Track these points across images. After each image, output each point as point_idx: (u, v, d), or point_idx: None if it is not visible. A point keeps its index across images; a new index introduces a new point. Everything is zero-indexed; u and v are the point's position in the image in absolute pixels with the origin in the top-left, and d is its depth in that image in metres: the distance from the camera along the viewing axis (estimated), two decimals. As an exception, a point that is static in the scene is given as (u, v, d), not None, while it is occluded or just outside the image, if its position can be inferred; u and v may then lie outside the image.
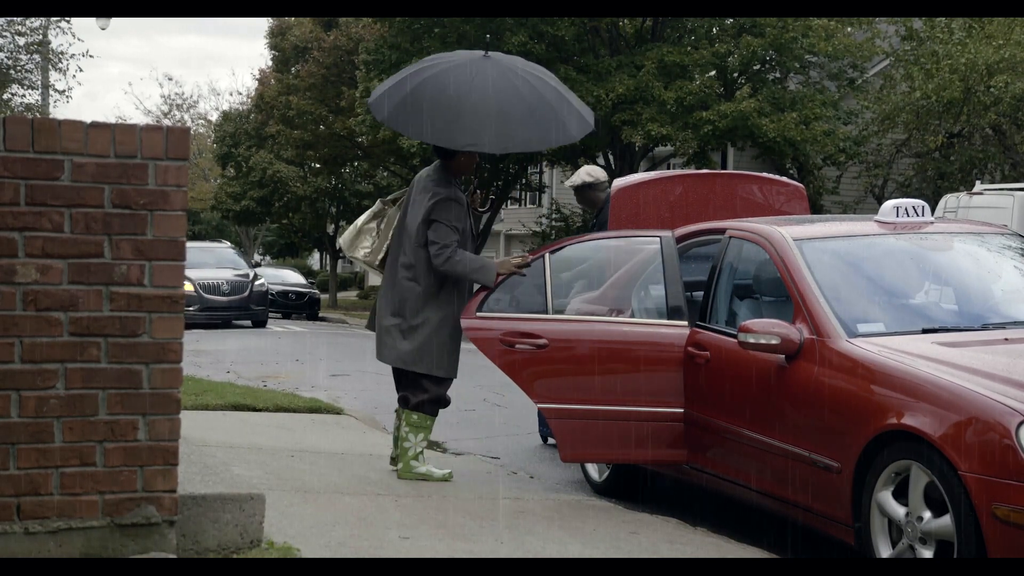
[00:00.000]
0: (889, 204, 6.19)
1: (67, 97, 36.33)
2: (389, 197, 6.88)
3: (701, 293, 6.46)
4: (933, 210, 9.18)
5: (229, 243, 31.50)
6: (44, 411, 3.93)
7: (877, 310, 5.55)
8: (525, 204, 43.15)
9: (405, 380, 6.53)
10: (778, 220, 6.56)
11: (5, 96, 31.51)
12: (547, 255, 6.58)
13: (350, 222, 48.28)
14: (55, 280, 3.94)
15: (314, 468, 6.56)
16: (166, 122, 53.06)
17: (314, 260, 65.42)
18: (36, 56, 31.45)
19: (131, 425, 4.03)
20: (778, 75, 26.98)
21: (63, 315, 3.95)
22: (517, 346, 6.34)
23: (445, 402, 6.56)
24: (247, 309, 25.58)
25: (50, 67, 31.35)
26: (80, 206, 3.96)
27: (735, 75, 26.78)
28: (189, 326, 22.01)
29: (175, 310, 4.08)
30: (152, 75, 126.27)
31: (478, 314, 6.39)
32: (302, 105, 35.95)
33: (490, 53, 6.70)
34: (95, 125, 4.02)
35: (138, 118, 60.07)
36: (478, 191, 6.92)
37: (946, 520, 4.50)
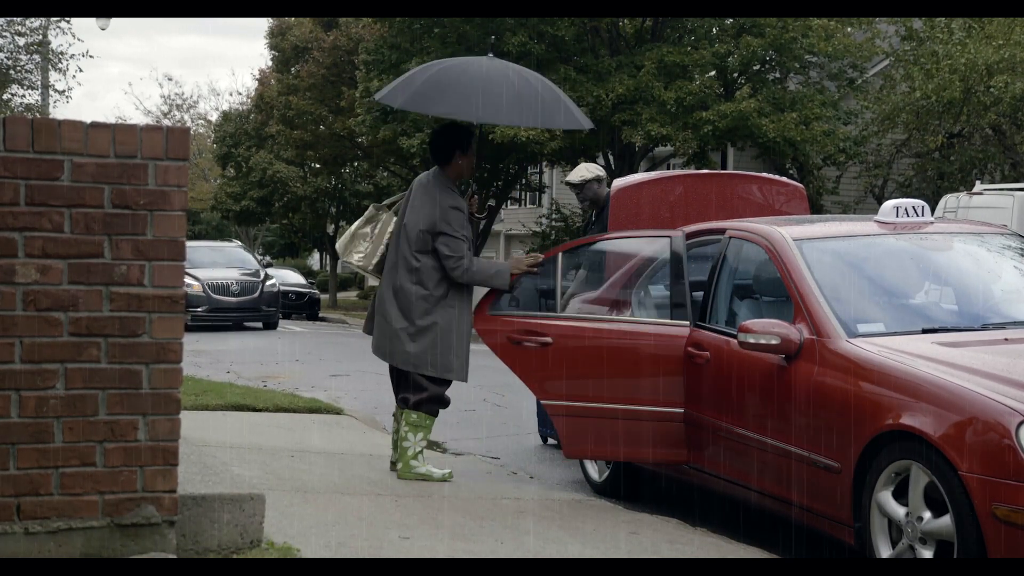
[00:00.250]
0: (889, 204, 6.19)
1: (67, 97, 36.34)
2: (384, 202, 6.94)
3: (701, 293, 6.46)
4: (933, 210, 9.18)
5: (240, 243, 30.46)
6: (44, 411, 3.93)
7: (877, 310, 5.55)
8: (525, 204, 43.14)
9: (405, 381, 6.54)
10: (778, 220, 6.56)
11: (5, 96, 31.51)
12: (560, 255, 6.77)
13: (350, 222, 48.17)
14: (55, 280, 3.94)
15: (314, 468, 6.56)
16: (166, 122, 53.07)
17: (314, 260, 65.41)
18: (36, 56, 31.45)
19: (131, 425, 4.03)
20: (778, 75, 26.98)
21: (63, 315, 3.95)
22: (524, 344, 6.44)
23: (445, 402, 6.57)
24: (257, 310, 24.83)
25: (50, 67, 31.35)
26: (80, 206, 3.96)
27: (735, 75, 26.78)
28: (198, 328, 21.92)
29: (175, 310, 4.08)
30: (152, 75, 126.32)
31: (489, 313, 6.61)
32: (302, 105, 35.95)
33: (492, 56, 7.01)
34: (95, 125, 4.02)
35: (138, 118, 60.10)
36: (475, 196, 6.97)
37: (946, 520, 4.50)
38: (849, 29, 26.10)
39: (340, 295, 43.58)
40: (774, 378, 5.46)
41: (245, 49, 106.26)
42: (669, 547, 5.33)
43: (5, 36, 30.76)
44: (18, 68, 31.60)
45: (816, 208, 22.37)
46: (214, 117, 55.30)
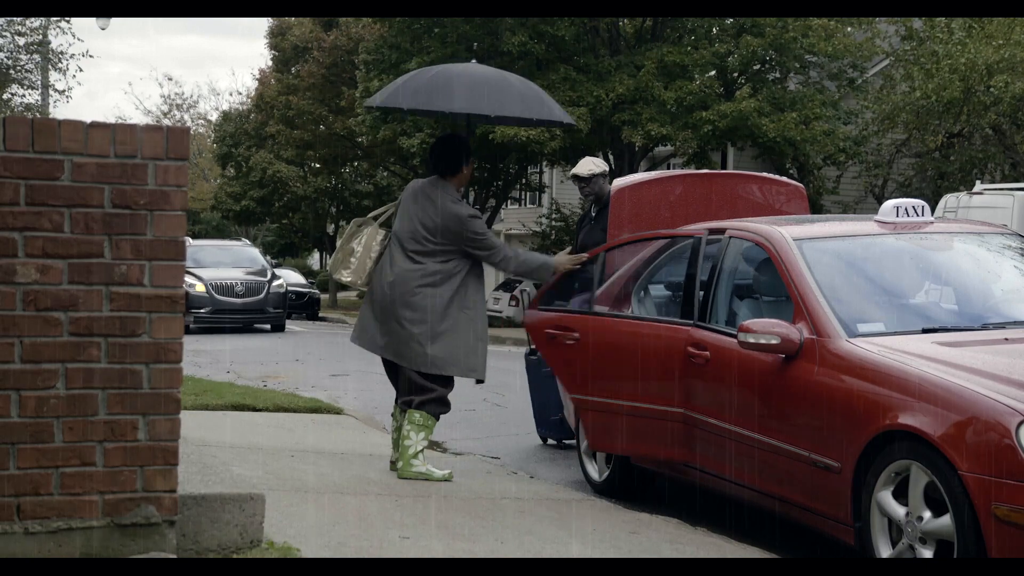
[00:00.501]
0: (889, 204, 6.18)
1: (67, 97, 36.42)
2: (369, 215, 7.04)
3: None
4: (933, 210, 9.18)
5: (248, 241, 29.30)
6: (44, 411, 3.93)
7: (877, 310, 5.55)
8: (525, 204, 43.16)
9: (410, 382, 6.53)
10: (778, 220, 6.56)
11: (5, 96, 31.52)
12: (604, 253, 7.02)
13: (350, 222, 48.16)
14: (55, 280, 3.94)
15: (314, 468, 6.56)
16: (166, 122, 53.07)
17: (314, 260, 65.42)
18: (36, 56, 31.47)
19: (131, 425, 4.03)
20: (778, 75, 26.99)
21: (63, 315, 3.95)
22: (557, 339, 6.82)
23: (448, 405, 6.60)
24: (263, 312, 23.86)
25: (50, 67, 31.36)
26: (80, 206, 3.96)
27: (735, 75, 26.79)
28: (202, 330, 21.65)
29: (175, 310, 4.08)
30: (152, 75, 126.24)
31: (540, 307, 7.12)
32: (302, 105, 35.97)
33: (475, 62, 7.36)
34: (95, 125, 4.02)
35: (138, 118, 60.12)
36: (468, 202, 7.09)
37: (946, 520, 4.50)
38: (849, 29, 26.11)
39: (340, 295, 43.57)
40: (774, 378, 5.46)
41: (245, 49, 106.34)
42: (669, 547, 5.33)
43: (5, 36, 30.79)
44: (18, 68, 31.61)
45: (816, 208, 22.37)
46: (214, 117, 55.37)
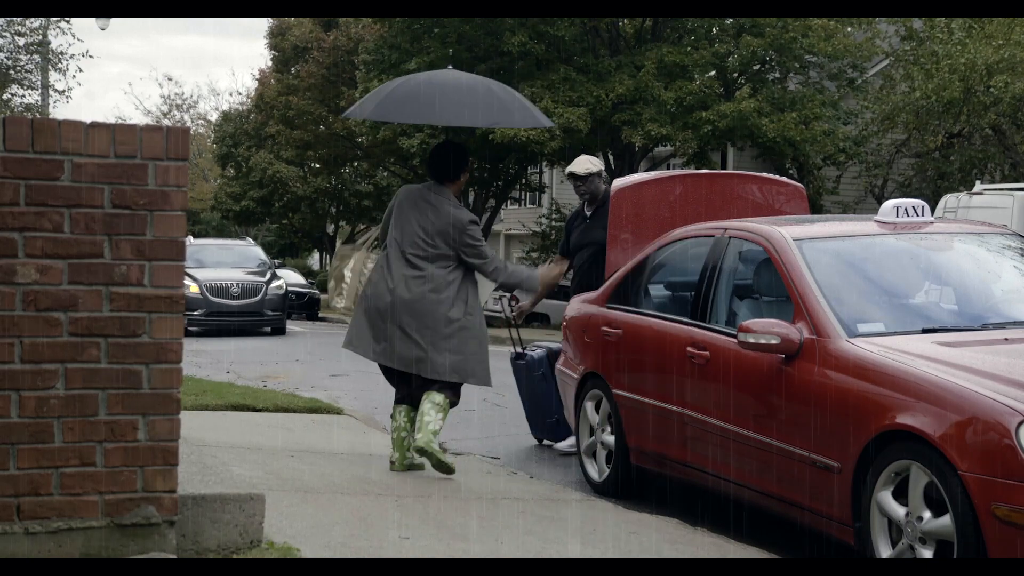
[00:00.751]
0: (889, 204, 6.18)
1: (67, 97, 36.39)
2: (359, 242, 7.17)
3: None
4: (933, 210, 9.18)
5: (252, 241, 27.70)
6: (44, 411, 3.93)
7: (877, 310, 5.55)
8: (525, 204, 43.16)
9: (417, 380, 6.60)
10: (778, 220, 6.56)
11: (5, 96, 31.52)
12: (652, 252, 7.05)
13: (350, 222, 47.71)
14: (55, 280, 3.94)
15: (314, 468, 6.56)
16: (166, 122, 53.07)
17: (314, 260, 65.41)
18: (36, 56, 31.47)
19: (131, 425, 4.03)
20: (778, 75, 26.99)
21: (63, 315, 3.95)
22: (606, 335, 7.04)
23: (459, 396, 6.75)
24: (259, 314, 22.69)
25: (50, 67, 31.36)
26: (80, 206, 3.96)
27: (735, 75, 26.79)
28: (196, 333, 21.33)
29: (175, 310, 4.08)
30: (152, 75, 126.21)
31: (607, 304, 7.23)
32: (302, 105, 35.94)
33: (451, 68, 7.35)
34: (95, 125, 4.02)
35: (138, 118, 60.13)
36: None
37: (946, 520, 4.50)
38: (849, 29, 26.11)
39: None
40: (774, 378, 5.46)
41: (245, 49, 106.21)
42: (669, 547, 5.33)
43: (5, 36, 30.80)
44: (18, 68, 31.61)
45: (816, 208, 22.38)
46: (214, 117, 55.37)
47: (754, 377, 5.62)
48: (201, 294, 22.06)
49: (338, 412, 9.28)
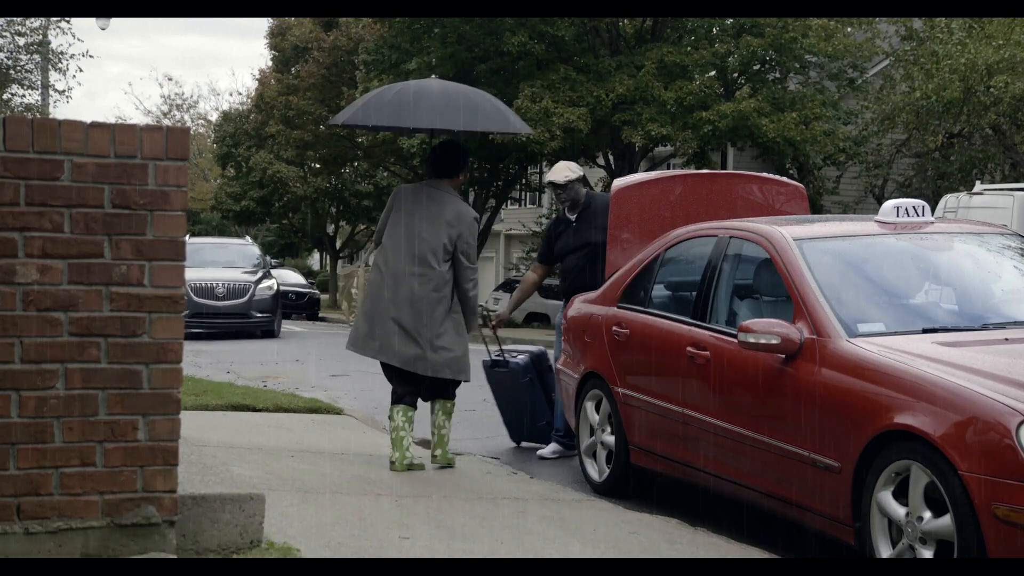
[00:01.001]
0: (889, 204, 6.18)
1: (67, 97, 36.39)
2: (357, 264, 7.38)
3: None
4: (933, 210, 9.18)
5: (250, 240, 26.29)
6: (44, 411, 3.93)
7: (877, 310, 5.55)
8: (525, 204, 43.16)
9: (429, 379, 6.76)
10: (778, 220, 6.56)
11: (5, 96, 31.51)
12: (653, 252, 7.04)
13: (350, 222, 47.60)
14: (55, 280, 3.94)
15: (314, 468, 6.56)
16: (166, 122, 53.07)
17: (314, 260, 65.41)
18: (36, 56, 31.46)
19: (131, 425, 4.03)
20: (778, 75, 26.99)
21: (63, 315, 3.95)
22: (616, 335, 7.01)
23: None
24: (246, 316, 21.52)
25: (50, 67, 31.35)
26: (80, 206, 3.96)
27: (735, 75, 26.79)
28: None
29: (175, 310, 4.09)
30: (152, 75, 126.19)
31: (618, 304, 7.17)
32: (302, 105, 35.93)
33: (435, 78, 7.73)
34: (95, 125, 4.02)
35: (138, 118, 60.13)
36: None
37: (946, 520, 4.50)
38: (849, 29, 26.11)
39: (338, 296, 43.60)
40: (774, 378, 5.46)
41: (245, 49, 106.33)
42: (669, 547, 5.33)
43: (5, 36, 30.79)
44: (18, 68, 31.60)
45: (816, 208, 22.36)
46: (214, 117, 55.36)
47: (754, 377, 5.62)
48: (185, 294, 21.15)
49: (338, 412, 9.28)
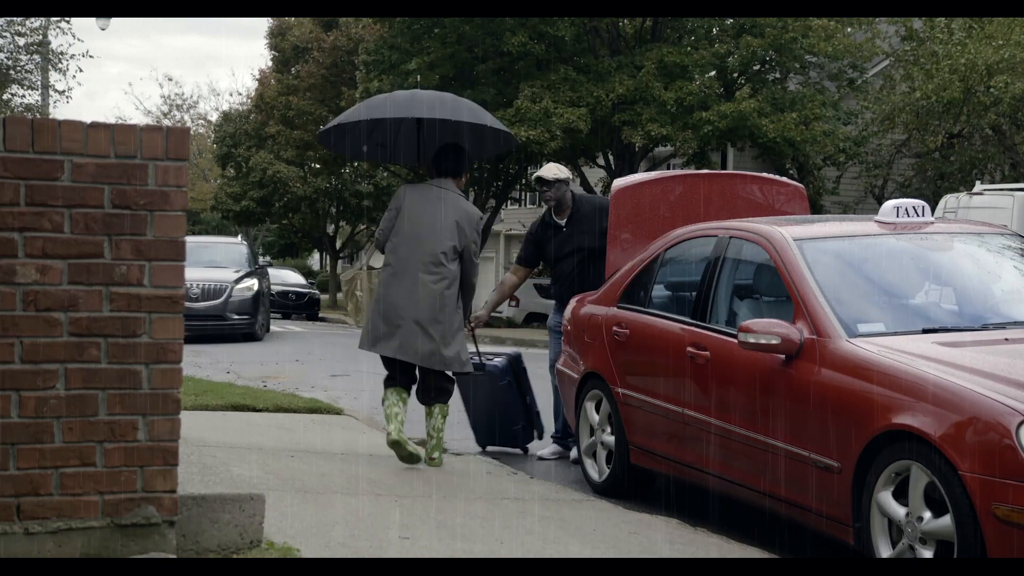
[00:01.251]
0: (889, 204, 6.18)
1: (67, 97, 36.38)
2: (358, 268, 7.49)
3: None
4: (933, 210, 9.18)
5: (241, 239, 24.88)
6: (44, 411, 3.93)
7: (877, 310, 5.55)
8: (525, 204, 43.17)
9: (429, 378, 6.91)
10: (778, 220, 6.56)
11: (5, 96, 31.51)
12: (655, 252, 7.03)
13: (350, 222, 47.52)
14: (55, 280, 3.94)
15: (314, 468, 6.56)
16: (166, 122, 53.08)
17: (314, 260, 65.41)
18: (36, 56, 31.46)
19: (131, 425, 4.03)
20: (778, 75, 27.00)
21: (63, 315, 3.95)
22: (616, 335, 6.99)
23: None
24: (222, 318, 20.08)
25: (50, 67, 31.35)
26: (80, 206, 3.96)
27: (735, 75, 26.80)
28: None
29: (175, 310, 4.09)
30: (152, 75, 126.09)
31: (617, 304, 7.16)
32: (302, 105, 35.95)
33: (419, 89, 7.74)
34: (95, 125, 4.02)
35: (138, 118, 60.12)
36: None
37: (946, 520, 4.50)
38: (849, 29, 26.12)
39: (340, 295, 43.58)
40: (774, 378, 5.46)
41: (245, 49, 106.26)
42: (669, 547, 5.33)
43: (5, 36, 30.79)
44: (18, 68, 31.61)
45: (816, 208, 22.38)
46: (214, 117, 55.35)
47: (754, 377, 5.62)
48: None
49: (338, 412, 9.28)
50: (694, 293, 6.48)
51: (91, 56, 62.92)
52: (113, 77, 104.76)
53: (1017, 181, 20.79)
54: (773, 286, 5.95)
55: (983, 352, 4.96)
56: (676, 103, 24.24)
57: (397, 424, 6.81)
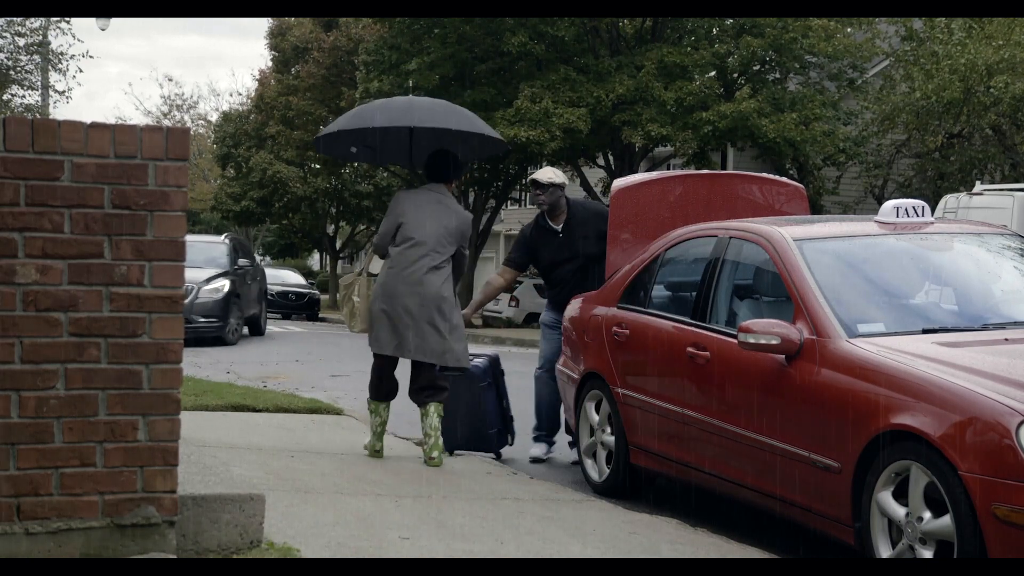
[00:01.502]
0: (889, 204, 6.18)
1: (67, 98, 36.38)
2: (357, 271, 7.79)
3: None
4: (933, 210, 9.18)
5: (227, 238, 23.06)
6: (44, 411, 3.93)
7: (877, 310, 5.55)
8: (525, 204, 43.18)
9: (424, 377, 7.06)
10: (778, 220, 6.56)
11: (5, 97, 31.52)
12: (655, 252, 7.03)
13: (350, 222, 47.53)
14: (55, 280, 3.94)
15: (314, 468, 6.56)
16: (166, 122, 53.08)
17: (314, 260, 65.42)
18: (36, 57, 31.48)
19: (131, 425, 4.03)
20: (778, 75, 27.00)
21: (63, 315, 3.95)
22: (616, 335, 7.00)
23: None
24: (186, 321, 17.39)
25: (50, 67, 31.36)
26: (80, 206, 3.96)
27: (735, 75, 26.80)
28: None
29: (175, 310, 4.09)
30: (152, 75, 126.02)
31: (617, 305, 7.18)
32: (302, 106, 35.95)
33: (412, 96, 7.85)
34: (95, 125, 4.02)
35: (138, 118, 60.14)
36: None
37: (946, 520, 4.50)
38: (849, 29, 26.13)
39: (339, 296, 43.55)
40: (774, 378, 5.46)
41: (245, 49, 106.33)
42: (669, 547, 5.33)
43: (5, 36, 30.81)
44: (18, 68, 31.62)
45: (816, 208, 22.38)
46: (214, 117, 55.36)
47: (754, 377, 5.62)
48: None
49: (338, 412, 9.28)
50: (694, 293, 6.48)
51: (91, 56, 63.04)
52: (113, 77, 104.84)
53: (1017, 181, 20.79)
54: (773, 286, 5.95)
55: (983, 352, 4.96)
56: (676, 103, 24.24)
57: (382, 443, 7.27)
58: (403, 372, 7.20)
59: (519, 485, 6.87)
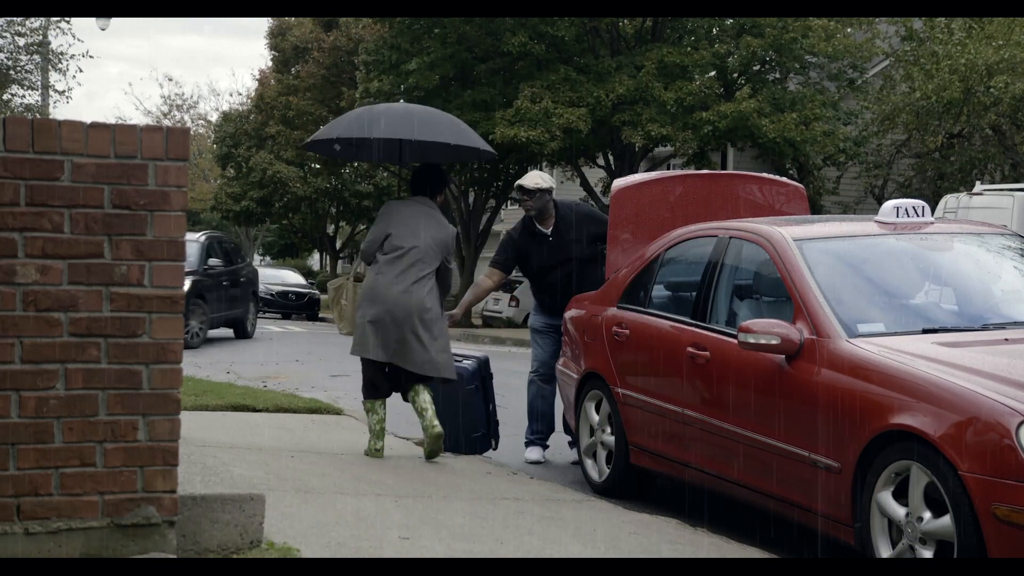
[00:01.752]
0: (889, 204, 6.18)
1: (67, 97, 36.33)
2: (350, 274, 7.96)
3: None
4: (933, 211, 9.18)
5: (203, 236, 20.59)
6: (44, 411, 3.93)
7: (877, 310, 5.55)
8: (525, 204, 43.13)
9: (406, 378, 7.16)
10: (778, 220, 6.56)
11: (5, 96, 31.52)
12: (656, 252, 7.03)
13: (350, 222, 47.60)
14: (55, 280, 3.94)
15: (314, 468, 6.56)
16: (166, 122, 53.08)
17: (314, 260, 65.40)
18: (36, 56, 31.47)
19: (131, 425, 4.03)
20: (778, 75, 26.99)
21: (63, 315, 3.95)
22: (616, 335, 7.00)
23: None
24: None
25: (50, 67, 31.35)
26: (80, 206, 3.96)
27: (735, 75, 26.80)
28: None
29: (175, 310, 4.09)
30: (152, 75, 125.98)
31: (618, 304, 7.16)
32: (302, 105, 35.95)
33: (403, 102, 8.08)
34: (95, 125, 4.02)
35: (138, 118, 60.11)
36: None
37: (946, 520, 4.50)
38: (849, 29, 26.12)
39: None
40: (774, 378, 5.46)
41: (245, 49, 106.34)
42: (669, 547, 5.33)
43: (5, 36, 30.80)
44: (18, 68, 31.61)
45: (816, 208, 22.38)
46: (214, 117, 55.35)
47: (754, 377, 5.62)
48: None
49: (338, 412, 9.28)
50: (694, 293, 6.48)
51: (91, 56, 63.00)
52: (113, 77, 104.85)
53: (1017, 181, 20.79)
54: (773, 286, 5.95)
55: (983, 352, 4.96)
56: (676, 103, 24.24)
57: (383, 441, 7.25)
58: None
59: (519, 485, 6.87)
